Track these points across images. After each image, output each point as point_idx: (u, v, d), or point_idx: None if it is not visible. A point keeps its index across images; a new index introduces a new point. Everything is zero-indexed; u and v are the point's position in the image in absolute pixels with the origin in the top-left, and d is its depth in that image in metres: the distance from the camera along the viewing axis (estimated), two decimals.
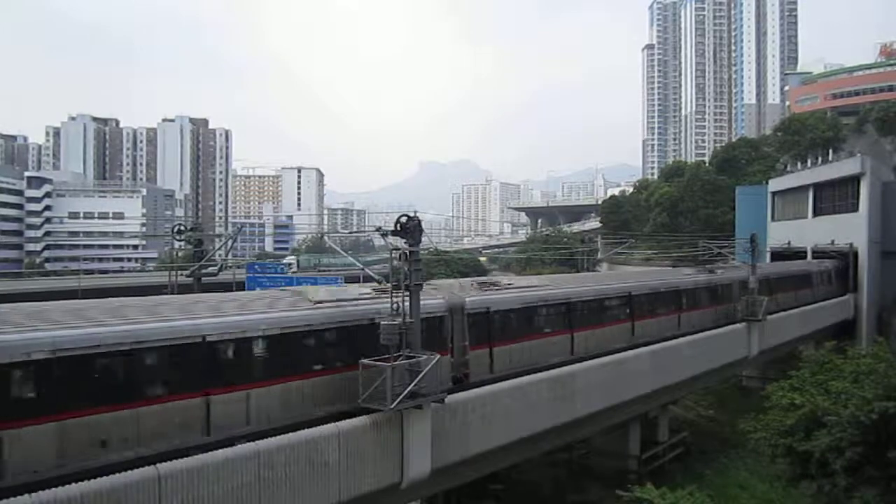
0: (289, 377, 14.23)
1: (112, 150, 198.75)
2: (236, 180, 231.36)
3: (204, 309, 13.96)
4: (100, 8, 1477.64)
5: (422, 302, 15.29)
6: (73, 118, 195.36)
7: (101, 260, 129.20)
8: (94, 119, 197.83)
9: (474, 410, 16.87)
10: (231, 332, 13.51)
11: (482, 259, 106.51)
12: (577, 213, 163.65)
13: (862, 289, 44.85)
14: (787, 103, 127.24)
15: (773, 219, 56.59)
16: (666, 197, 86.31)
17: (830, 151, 68.46)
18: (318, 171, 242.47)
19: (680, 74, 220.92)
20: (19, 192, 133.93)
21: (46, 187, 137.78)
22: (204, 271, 22.39)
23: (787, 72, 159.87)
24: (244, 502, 11.77)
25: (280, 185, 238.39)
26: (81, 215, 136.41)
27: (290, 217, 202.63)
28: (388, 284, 15.45)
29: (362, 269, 25.02)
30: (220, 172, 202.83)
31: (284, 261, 60.47)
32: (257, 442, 12.32)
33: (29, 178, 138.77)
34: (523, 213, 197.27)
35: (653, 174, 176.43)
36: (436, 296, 18.15)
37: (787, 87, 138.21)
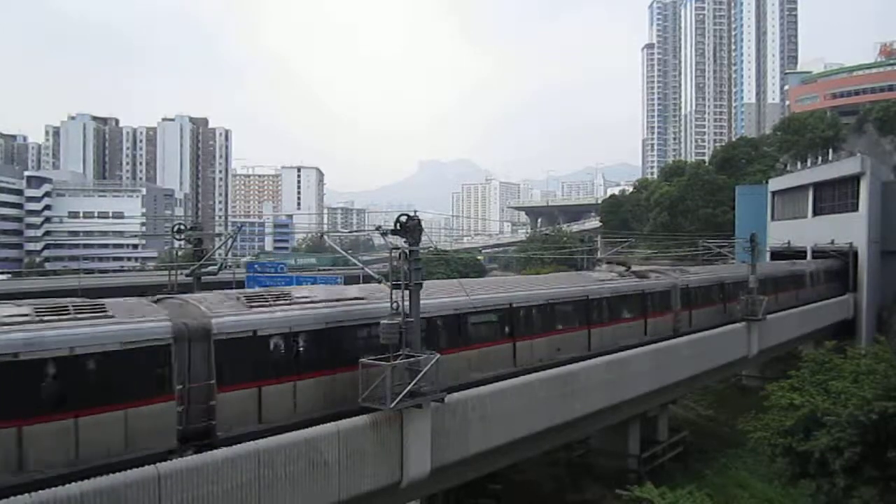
0: None
1: (112, 150, 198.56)
2: (236, 179, 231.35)
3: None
4: (100, 7, 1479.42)
5: (126, 326, 12.15)
6: (72, 117, 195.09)
7: (100, 259, 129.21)
8: (94, 118, 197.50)
9: (474, 410, 16.85)
10: None
11: (480, 258, 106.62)
12: (576, 212, 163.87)
13: (862, 288, 44.84)
14: (787, 103, 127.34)
15: (772, 218, 56.56)
16: (666, 196, 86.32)
17: (830, 151, 68.63)
18: (318, 170, 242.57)
19: (680, 74, 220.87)
20: (19, 192, 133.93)
21: (46, 187, 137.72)
22: (203, 270, 22.35)
23: (787, 71, 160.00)
24: (244, 502, 11.75)
25: (280, 184, 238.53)
26: (81, 215, 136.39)
27: (290, 216, 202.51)
28: (388, 284, 15.39)
29: (362, 269, 24.97)
30: (220, 172, 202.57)
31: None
32: (257, 441, 12.30)
33: (29, 177, 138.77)
34: (523, 213, 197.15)
35: (653, 174, 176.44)
36: (153, 316, 12.85)
37: (786, 87, 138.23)
